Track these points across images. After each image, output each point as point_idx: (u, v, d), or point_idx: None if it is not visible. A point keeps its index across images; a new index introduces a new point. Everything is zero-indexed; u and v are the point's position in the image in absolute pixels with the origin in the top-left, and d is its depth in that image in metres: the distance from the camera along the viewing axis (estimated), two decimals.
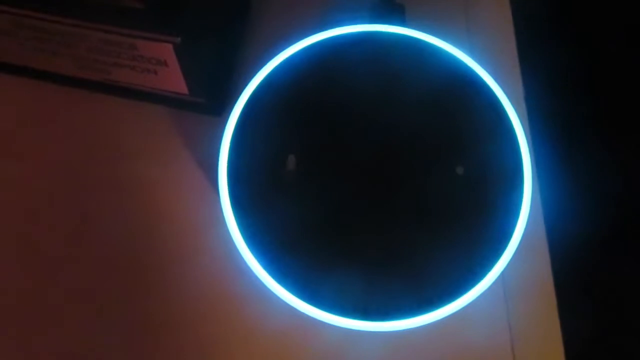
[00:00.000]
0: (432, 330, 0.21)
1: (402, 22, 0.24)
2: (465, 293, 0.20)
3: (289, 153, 0.21)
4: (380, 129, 0.21)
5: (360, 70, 0.22)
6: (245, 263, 0.20)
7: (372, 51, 0.22)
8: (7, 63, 0.26)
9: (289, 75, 0.22)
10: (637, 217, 0.56)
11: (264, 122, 0.22)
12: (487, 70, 0.22)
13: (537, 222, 0.25)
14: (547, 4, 0.59)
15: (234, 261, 0.23)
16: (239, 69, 0.27)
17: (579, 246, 0.47)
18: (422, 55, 0.22)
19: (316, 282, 0.20)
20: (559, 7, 0.61)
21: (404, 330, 0.20)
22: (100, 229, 0.25)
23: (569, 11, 0.61)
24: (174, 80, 0.23)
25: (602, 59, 0.60)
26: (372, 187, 0.21)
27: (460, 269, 0.21)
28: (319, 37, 0.22)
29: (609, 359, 0.53)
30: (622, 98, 0.60)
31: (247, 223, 0.21)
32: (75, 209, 0.26)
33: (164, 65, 0.22)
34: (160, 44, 0.21)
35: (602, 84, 0.60)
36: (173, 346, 0.24)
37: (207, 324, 0.25)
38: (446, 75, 0.22)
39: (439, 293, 0.20)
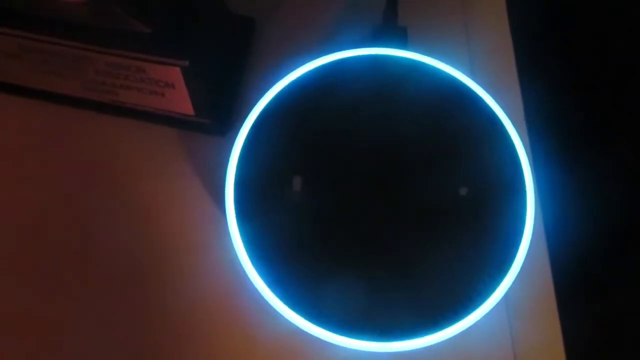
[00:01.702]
0: (435, 347, 0.21)
1: (405, 45, 0.25)
2: (470, 314, 0.20)
3: (294, 174, 0.21)
4: (384, 150, 0.22)
5: (364, 92, 0.22)
6: (250, 282, 0.21)
7: (375, 73, 0.23)
8: (14, 85, 0.26)
9: (294, 97, 0.22)
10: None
11: (270, 144, 0.22)
12: (487, 90, 0.23)
13: (539, 238, 0.26)
14: (545, 23, 0.60)
15: (239, 280, 0.23)
16: (244, 91, 0.27)
17: (581, 262, 0.47)
18: (424, 77, 0.23)
19: (321, 301, 0.20)
20: (558, 25, 0.61)
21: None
22: (105, 248, 0.26)
23: (567, 28, 0.61)
24: (181, 102, 0.24)
25: (600, 70, 0.61)
26: (376, 207, 0.21)
27: (464, 289, 0.21)
28: (323, 60, 0.23)
29: None
30: (620, 108, 0.60)
31: (252, 242, 0.21)
32: (81, 228, 0.26)
33: (171, 87, 0.23)
34: (168, 67, 0.21)
35: (602, 101, 0.60)
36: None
37: (210, 341, 0.25)
38: (448, 96, 0.22)
39: (443, 314, 0.20)
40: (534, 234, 0.21)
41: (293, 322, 0.20)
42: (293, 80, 0.22)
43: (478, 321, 0.21)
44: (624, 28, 0.62)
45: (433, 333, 0.20)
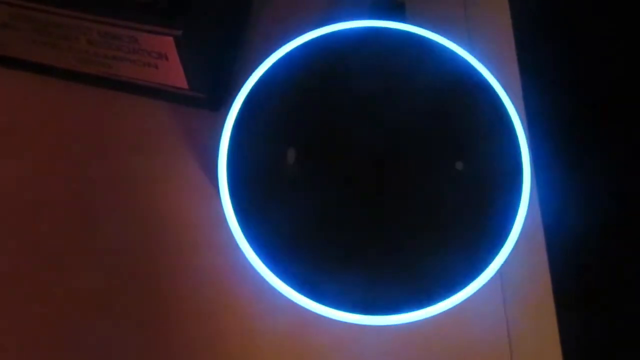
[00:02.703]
0: (431, 326, 0.21)
1: (402, 20, 0.24)
2: (464, 288, 0.20)
3: (288, 147, 0.21)
4: (379, 124, 0.22)
5: (360, 65, 0.22)
6: (245, 259, 0.20)
7: (372, 47, 0.22)
8: (7, 57, 0.26)
9: (289, 70, 0.22)
10: (634, 214, 0.56)
11: (264, 117, 0.22)
12: (485, 65, 0.22)
13: (534, 218, 0.26)
14: (546, 2, 0.59)
15: (234, 257, 0.23)
16: (239, 64, 0.27)
17: (576, 243, 0.48)
18: (422, 51, 0.22)
19: (317, 277, 0.20)
20: (558, 5, 0.61)
21: (403, 325, 0.20)
22: (99, 223, 0.25)
23: (568, 9, 0.61)
24: (174, 75, 0.23)
25: (599, 55, 0.61)
26: (371, 182, 0.21)
27: (459, 264, 0.21)
28: (319, 33, 0.22)
29: (605, 355, 0.53)
30: (618, 96, 0.60)
31: (247, 218, 0.21)
32: (75, 204, 0.26)
33: (165, 59, 0.22)
34: (161, 37, 0.21)
35: (599, 81, 0.60)
36: (175, 342, 0.24)
37: (205, 320, 0.24)
38: (446, 71, 0.22)
39: (438, 288, 0.20)
40: (529, 214, 0.21)
41: (290, 297, 0.20)
42: (287, 52, 0.22)
43: (473, 299, 0.21)
44: (629, 14, 0.62)
45: (428, 306, 0.20)
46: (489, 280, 0.21)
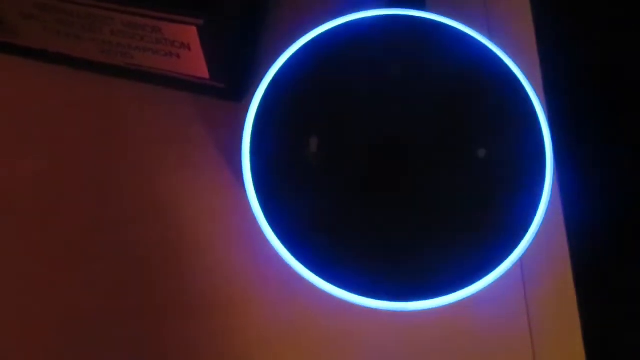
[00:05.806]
0: (451, 312, 0.21)
1: (422, 8, 0.24)
2: (485, 276, 0.20)
3: (311, 135, 0.21)
4: (401, 112, 0.22)
5: (381, 53, 0.22)
6: (268, 246, 0.21)
7: (394, 35, 0.22)
8: (29, 48, 0.26)
9: (310, 59, 0.22)
10: None
11: (286, 106, 0.22)
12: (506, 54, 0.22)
13: (555, 207, 0.26)
14: None
15: (255, 245, 0.23)
16: (260, 54, 0.27)
17: (597, 232, 0.47)
18: (442, 39, 0.22)
19: (339, 263, 0.20)
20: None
21: (423, 312, 0.20)
22: (121, 214, 0.26)
23: (588, 2, 0.60)
24: (196, 65, 0.23)
25: (619, 46, 0.60)
26: (393, 168, 0.21)
27: (479, 252, 0.21)
28: (339, 21, 0.22)
29: (627, 342, 0.53)
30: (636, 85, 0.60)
31: (270, 205, 0.21)
32: (96, 194, 0.26)
33: (187, 49, 0.22)
34: (184, 27, 0.21)
35: (620, 70, 0.59)
36: (197, 330, 0.25)
37: (228, 308, 0.25)
38: (467, 59, 0.22)
39: (458, 276, 0.20)
40: (550, 200, 0.21)
41: (314, 283, 0.20)
42: (308, 41, 0.22)
43: (494, 287, 0.21)
44: None
45: (448, 294, 0.20)
46: (509, 269, 0.21)
